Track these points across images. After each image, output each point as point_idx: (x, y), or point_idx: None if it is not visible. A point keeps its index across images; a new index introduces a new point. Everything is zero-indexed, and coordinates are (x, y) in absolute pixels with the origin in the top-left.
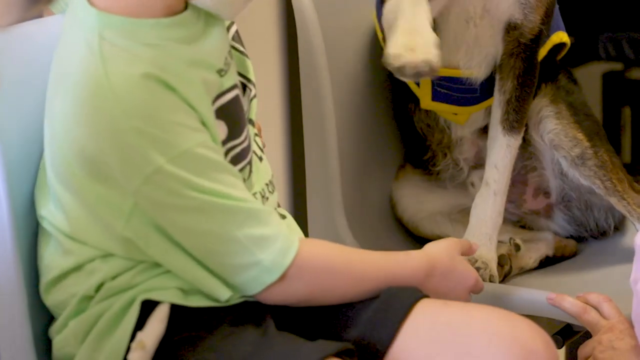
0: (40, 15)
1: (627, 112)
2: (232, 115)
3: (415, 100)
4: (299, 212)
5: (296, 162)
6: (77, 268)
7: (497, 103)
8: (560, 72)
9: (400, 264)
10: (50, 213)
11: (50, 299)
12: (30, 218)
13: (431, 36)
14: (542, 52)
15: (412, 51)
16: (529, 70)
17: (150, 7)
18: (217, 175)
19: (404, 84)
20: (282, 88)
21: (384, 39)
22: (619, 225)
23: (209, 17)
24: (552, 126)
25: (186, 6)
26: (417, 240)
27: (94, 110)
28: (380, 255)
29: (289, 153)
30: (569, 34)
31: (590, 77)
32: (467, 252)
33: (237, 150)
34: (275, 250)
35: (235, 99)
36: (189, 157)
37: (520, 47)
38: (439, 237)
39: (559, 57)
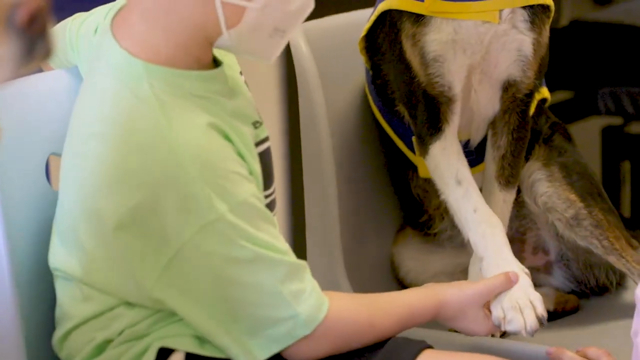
0: (40, 70)
1: (626, 166)
2: (265, 166)
3: (413, 166)
4: None
5: (297, 224)
6: (100, 314)
7: (490, 158)
8: (556, 132)
9: (414, 312)
10: (66, 264)
11: (67, 346)
12: (32, 270)
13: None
14: (532, 108)
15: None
16: (523, 124)
17: (182, 59)
18: (265, 226)
19: (401, 152)
20: (283, 145)
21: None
22: (621, 281)
23: (231, 73)
24: (545, 189)
25: (214, 61)
26: None
27: (155, 159)
28: (395, 303)
29: (290, 214)
30: (568, 89)
31: (590, 131)
32: (505, 289)
33: (268, 201)
34: (310, 304)
35: (268, 151)
36: (246, 207)
37: (516, 102)
38: None
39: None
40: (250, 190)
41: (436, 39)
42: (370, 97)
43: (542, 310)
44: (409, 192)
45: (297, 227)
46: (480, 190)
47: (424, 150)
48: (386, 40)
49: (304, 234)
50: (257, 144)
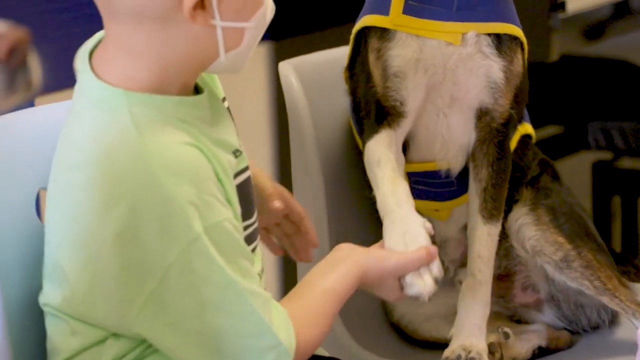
0: (31, 104)
1: (617, 201)
2: (245, 196)
3: None
4: None
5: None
6: (88, 347)
7: (473, 192)
8: (543, 172)
9: (344, 295)
10: (51, 297)
11: None
12: (23, 304)
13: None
14: (513, 142)
15: (420, 278)
16: (503, 155)
17: (169, 84)
18: (237, 257)
19: None
20: (274, 176)
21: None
22: (614, 319)
23: (213, 100)
24: (532, 233)
25: (196, 87)
26: (415, 342)
27: (133, 178)
28: (328, 299)
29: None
30: (559, 123)
31: (580, 166)
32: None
33: (250, 230)
34: (286, 332)
35: (248, 180)
36: (219, 230)
37: (492, 132)
38: (437, 340)
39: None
40: (226, 214)
41: (400, 54)
42: (354, 128)
43: (437, 272)
44: None
45: (287, 258)
46: (465, 227)
47: (364, 150)
48: (359, 60)
49: (294, 266)
50: (238, 174)
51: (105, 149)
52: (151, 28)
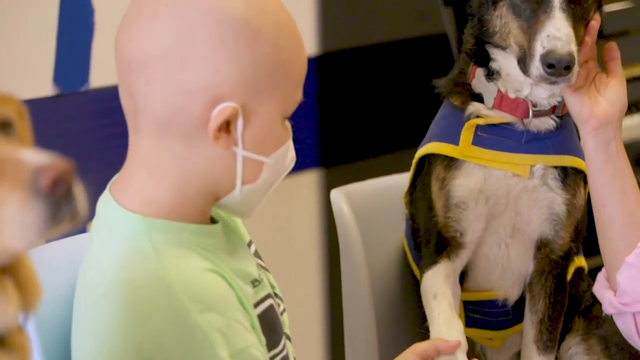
0: (84, 230)
1: None
2: (269, 325)
3: None
4: None
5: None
6: None
7: (529, 323)
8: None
9: None
10: None
11: None
12: None
13: None
14: (568, 274)
15: None
16: (560, 287)
17: (187, 210)
18: None
19: None
20: (323, 305)
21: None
22: None
23: (229, 232)
24: None
25: (212, 219)
26: None
27: (157, 307)
28: None
29: None
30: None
31: None
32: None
33: (278, 359)
34: None
35: (270, 308)
36: (246, 356)
37: (551, 264)
38: None
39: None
40: (252, 341)
41: (463, 184)
42: (409, 255)
43: None
44: None
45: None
46: (518, 354)
47: (421, 279)
48: (420, 185)
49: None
50: (257, 304)
51: (128, 277)
52: (174, 143)
